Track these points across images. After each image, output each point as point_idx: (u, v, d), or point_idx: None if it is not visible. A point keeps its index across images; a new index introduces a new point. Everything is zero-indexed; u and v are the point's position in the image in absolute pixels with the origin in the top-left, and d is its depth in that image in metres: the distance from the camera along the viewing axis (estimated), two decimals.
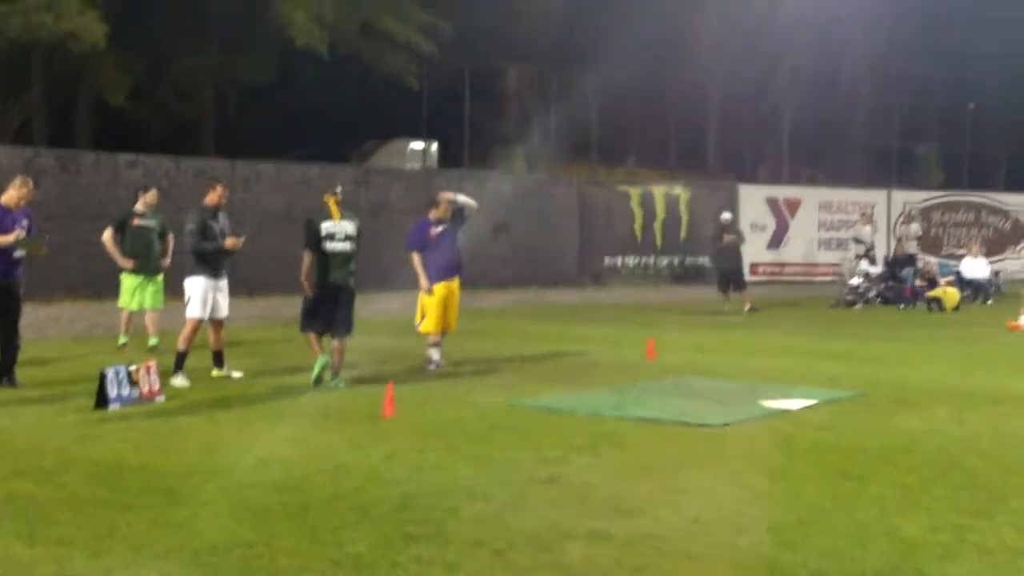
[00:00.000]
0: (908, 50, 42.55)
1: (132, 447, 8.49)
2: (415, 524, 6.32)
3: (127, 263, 15.01)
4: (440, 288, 13.29)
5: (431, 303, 13.29)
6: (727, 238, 23.90)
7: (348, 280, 12.04)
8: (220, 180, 12.86)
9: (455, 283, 13.52)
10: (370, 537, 6.08)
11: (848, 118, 43.70)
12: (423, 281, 13.26)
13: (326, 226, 11.93)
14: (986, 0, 42.48)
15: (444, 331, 13.44)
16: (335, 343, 11.90)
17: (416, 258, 13.32)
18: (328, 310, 11.93)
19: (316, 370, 11.72)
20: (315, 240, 11.86)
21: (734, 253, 23.94)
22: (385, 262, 18.42)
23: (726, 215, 24.97)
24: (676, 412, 10.08)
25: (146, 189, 15.64)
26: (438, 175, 30.24)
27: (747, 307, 22.75)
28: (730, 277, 23.67)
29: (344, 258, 11.96)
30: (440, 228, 13.42)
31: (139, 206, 15.30)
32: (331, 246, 11.90)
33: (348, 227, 12.06)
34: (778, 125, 39.71)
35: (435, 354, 13.29)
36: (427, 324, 13.35)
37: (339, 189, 12.42)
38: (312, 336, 12.03)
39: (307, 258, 11.88)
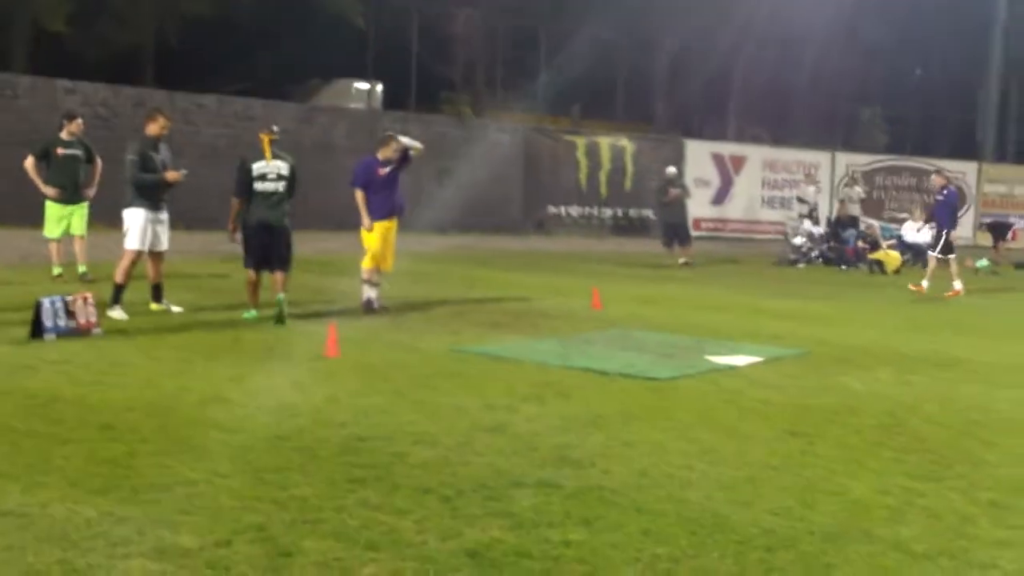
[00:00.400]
0: (858, 14, 42.61)
1: (68, 380, 8.28)
2: (361, 468, 6.20)
3: (50, 191, 14.77)
4: (379, 227, 13.20)
5: (370, 240, 13.23)
6: (672, 192, 24.00)
7: (282, 219, 12.17)
8: (162, 111, 12.58)
9: (393, 223, 13.43)
10: (315, 480, 5.95)
11: (796, 79, 43.79)
12: (365, 219, 13.16)
13: (258, 166, 12.03)
14: None
15: (378, 270, 13.28)
16: (277, 275, 12.05)
17: (360, 195, 13.22)
18: (264, 247, 12.05)
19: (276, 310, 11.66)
20: (247, 182, 11.96)
21: (680, 207, 24.09)
22: (328, 201, 18.21)
23: (671, 169, 25.05)
24: (622, 364, 10.01)
25: (71, 118, 15.29)
26: (383, 116, 29.92)
27: (681, 260, 22.92)
28: (676, 231, 23.75)
29: (277, 198, 12.08)
30: (387, 169, 13.26)
31: (63, 134, 15.00)
32: (262, 186, 12.02)
33: (281, 167, 12.12)
34: (727, 82, 39.69)
35: (370, 292, 13.19)
36: (364, 260, 13.31)
37: (275, 128, 12.44)
38: (250, 278, 12.09)
39: (235, 204, 12.10)
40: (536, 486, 6.00)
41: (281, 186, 12.08)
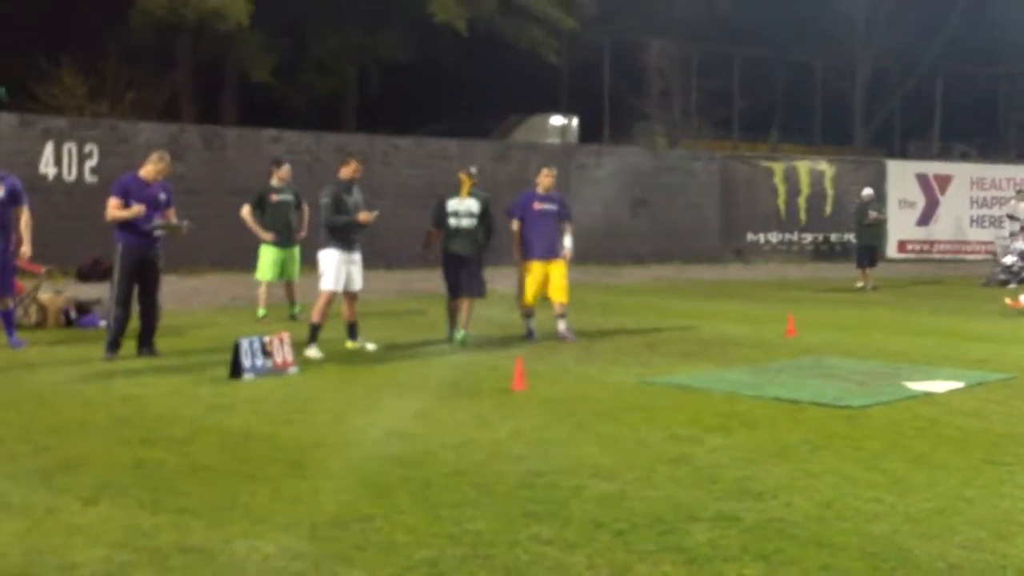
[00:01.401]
0: None
1: (261, 418, 8.54)
2: (537, 502, 6.19)
3: (267, 236, 15.26)
4: (538, 267, 13.40)
5: (526, 277, 13.45)
6: (872, 214, 23.54)
7: (470, 250, 12.88)
8: (355, 155, 12.92)
9: (553, 266, 13.47)
10: (490, 514, 5.97)
11: (1004, 91, 42.26)
12: (516, 252, 13.50)
13: (451, 204, 12.92)
14: None
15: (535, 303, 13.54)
16: (463, 301, 12.94)
17: (515, 226, 13.50)
18: (455, 275, 12.90)
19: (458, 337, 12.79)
20: (440, 216, 12.93)
21: (877, 230, 23.97)
22: None
23: (867, 191, 24.60)
24: (814, 392, 9.77)
25: (279, 164, 15.88)
26: (578, 150, 30.05)
27: (859, 284, 22.66)
28: (871, 253, 23.50)
29: (465, 233, 12.86)
30: (544, 206, 13.36)
31: (274, 181, 15.57)
32: (455, 222, 12.87)
33: (472, 205, 12.87)
34: (929, 99, 38.53)
35: (530, 323, 13.48)
36: (524, 295, 13.53)
37: (473, 170, 13.19)
38: (448, 304, 13.18)
39: (431, 232, 13.15)
40: (714, 520, 5.88)
41: (469, 222, 12.84)
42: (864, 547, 5.45)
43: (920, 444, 7.75)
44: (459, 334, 12.76)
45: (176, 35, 30.06)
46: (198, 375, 10.43)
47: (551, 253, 13.49)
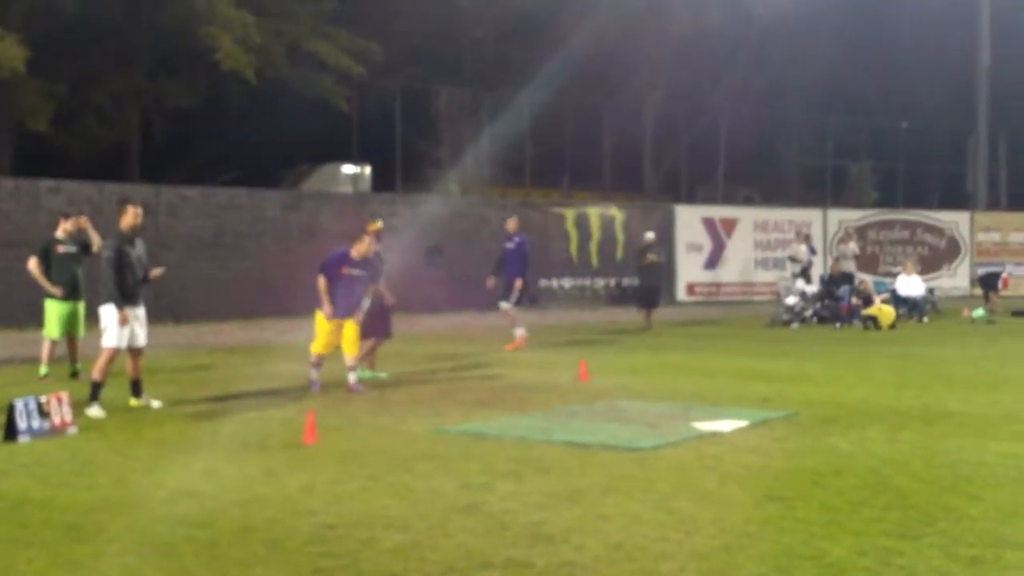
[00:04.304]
0: (841, 69, 42.91)
1: (38, 481, 8.16)
2: (328, 557, 6.07)
3: (56, 291, 14.66)
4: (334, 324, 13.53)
5: (325, 327, 13.49)
6: (649, 257, 24.30)
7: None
8: (130, 200, 12.54)
9: (348, 322, 13.60)
10: (280, 571, 5.83)
11: (782, 137, 44.04)
12: (327, 307, 13.44)
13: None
14: (918, 20, 43.08)
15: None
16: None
17: (322, 283, 13.46)
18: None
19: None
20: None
21: (655, 272, 24.76)
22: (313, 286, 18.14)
23: (649, 235, 25.42)
24: (605, 436, 9.88)
25: (67, 216, 15.32)
26: (370, 199, 29.96)
27: (644, 324, 23.51)
28: (648, 295, 24.40)
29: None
30: (355, 272, 13.47)
31: (59, 233, 15.00)
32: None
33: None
34: (714, 145, 39.86)
35: (314, 374, 13.49)
36: (316, 345, 13.57)
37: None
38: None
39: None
40: (505, 566, 5.87)
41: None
42: None
43: (707, 482, 7.91)
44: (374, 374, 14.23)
45: None
46: None
47: (349, 313, 13.57)
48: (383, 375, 14.62)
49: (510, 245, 19.44)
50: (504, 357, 17.41)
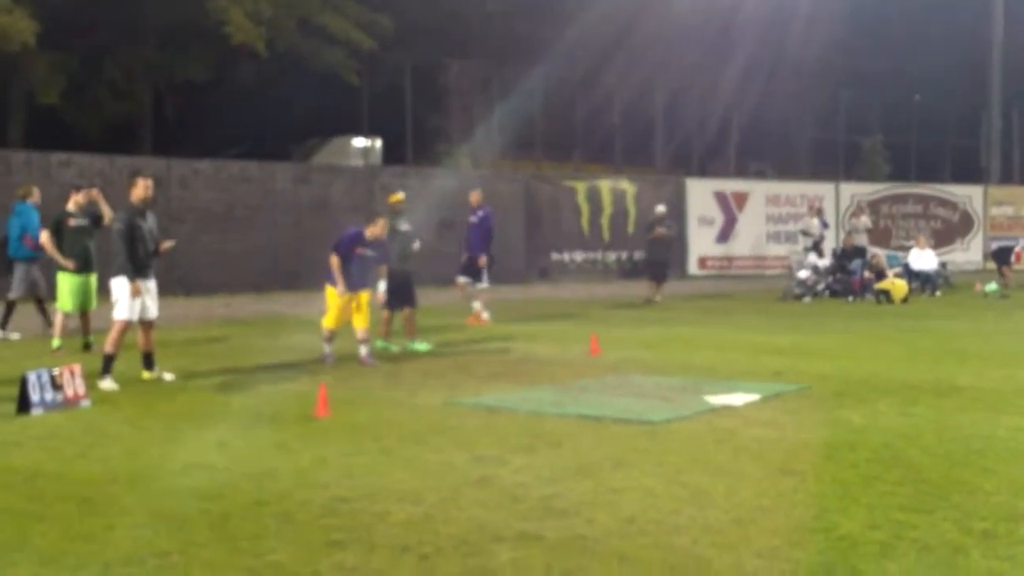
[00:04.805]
0: (852, 43, 42.70)
1: (51, 454, 8.18)
2: (341, 530, 6.07)
3: (69, 264, 14.69)
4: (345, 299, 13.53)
5: (337, 301, 13.51)
6: (659, 230, 24.32)
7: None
8: (141, 173, 12.53)
9: (360, 294, 13.66)
10: (292, 544, 5.83)
11: (794, 112, 43.84)
12: (340, 286, 13.41)
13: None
14: None
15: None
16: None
17: (335, 262, 13.42)
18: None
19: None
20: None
21: (664, 245, 24.80)
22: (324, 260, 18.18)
23: (660, 208, 25.43)
24: (618, 409, 9.88)
25: (77, 189, 15.33)
26: (380, 172, 29.92)
27: (657, 298, 23.50)
28: (657, 268, 24.49)
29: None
30: (368, 252, 13.49)
31: (71, 206, 15.01)
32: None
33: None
34: (726, 120, 39.73)
35: (327, 348, 13.54)
36: (327, 320, 13.60)
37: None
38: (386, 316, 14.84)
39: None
40: (517, 539, 5.87)
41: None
42: (665, 559, 5.51)
43: (719, 456, 7.90)
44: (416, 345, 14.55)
45: None
46: None
47: (361, 286, 13.63)
48: (395, 348, 14.64)
49: (473, 219, 19.07)
50: (512, 331, 17.38)
